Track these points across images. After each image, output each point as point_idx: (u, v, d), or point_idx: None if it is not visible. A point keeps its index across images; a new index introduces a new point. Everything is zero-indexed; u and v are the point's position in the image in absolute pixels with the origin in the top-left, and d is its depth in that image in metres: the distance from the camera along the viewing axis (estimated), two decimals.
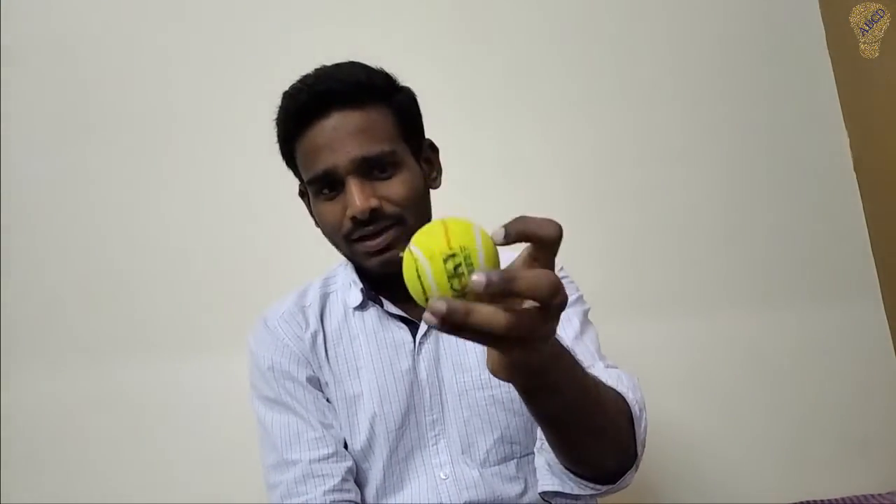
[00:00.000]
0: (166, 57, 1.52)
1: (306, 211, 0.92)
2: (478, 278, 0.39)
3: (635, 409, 0.68)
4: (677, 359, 1.48)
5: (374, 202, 0.79)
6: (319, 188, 0.83)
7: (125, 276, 1.46)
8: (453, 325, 0.40)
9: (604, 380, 0.65)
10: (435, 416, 0.87)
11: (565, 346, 0.59)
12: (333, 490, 0.82)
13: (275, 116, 0.86)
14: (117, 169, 1.49)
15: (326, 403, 0.89)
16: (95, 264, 1.46)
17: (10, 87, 1.48)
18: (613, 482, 0.67)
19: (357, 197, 0.78)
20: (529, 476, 0.88)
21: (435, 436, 0.87)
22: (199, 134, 1.50)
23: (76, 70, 1.50)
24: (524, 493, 0.87)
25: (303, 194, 0.92)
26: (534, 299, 0.41)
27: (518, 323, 0.41)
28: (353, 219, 0.80)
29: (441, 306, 0.40)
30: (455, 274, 0.42)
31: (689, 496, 1.47)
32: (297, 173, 0.89)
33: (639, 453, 0.68)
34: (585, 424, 0.59)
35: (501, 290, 0.39)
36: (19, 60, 1.49)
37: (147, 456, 1.41)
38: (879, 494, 1.38)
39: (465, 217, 0.45)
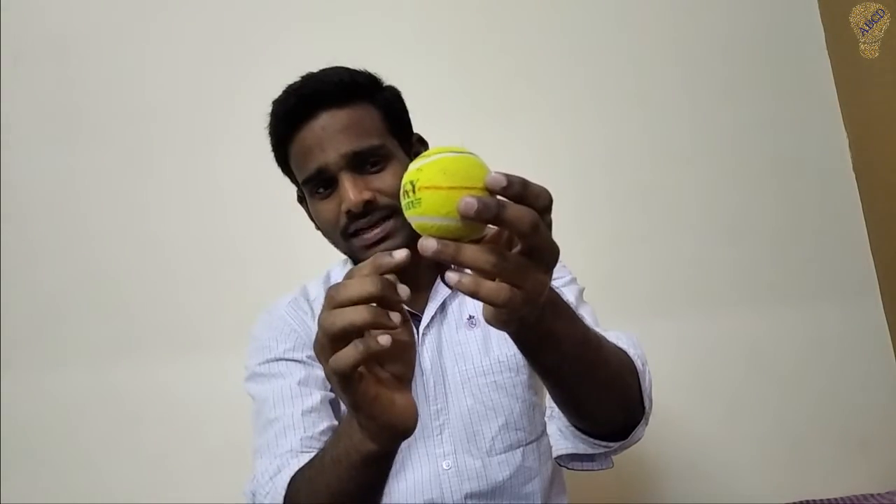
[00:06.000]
0: (166, 57, 1.52)
1: (304, 213, 0.93)
2: (492, 176, 0.42)
3: (638, 363, 0.69)
4: (677, 358, 1.48)
5: (367, 195, 0.80)
6: (314, 187, 0.84)
7: (125, 277, 1.46)
8: (444, 261, 0.43)
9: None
10: (439, 406, 0.88)
11: (567, 301, 0.60)
12: (312, 438, 0.79)
13: (266, 126, 0.88)
14: (116, 169, 1.49)
15: (322, 379, 0.87)
16: (95, 265, 1.46)
17: (10, 87, 1.48)
18: (624, 437, 0.69)
19: (350, 191, 0.80)
20: (535, 465, 0.88)
21: (439, 426, 0.88)
22: (197, 135, 1.50)
23: (76, 70, 1.51)
24: (530, 481, 0.88)
25: (301, 199, 0.93)
26: (517, 232, 0.44)
27: (503, 262, 0.43)
28: (349, 213, 0.81)
29: (431, 243, 0.42)
30: (406, 197, 0.45)
31: (689, 495, 1.47)
32: (292, 179, 0.90)
33: (646, 407, 0.69)
34: (589, 378, 0.60)
35: (495, 207, 0.41)
36: (19, 60, 1.49)
37: (146, 456, 1.41)
38: (879, 494, 1.38)
39: (465, 156, 0.46)
